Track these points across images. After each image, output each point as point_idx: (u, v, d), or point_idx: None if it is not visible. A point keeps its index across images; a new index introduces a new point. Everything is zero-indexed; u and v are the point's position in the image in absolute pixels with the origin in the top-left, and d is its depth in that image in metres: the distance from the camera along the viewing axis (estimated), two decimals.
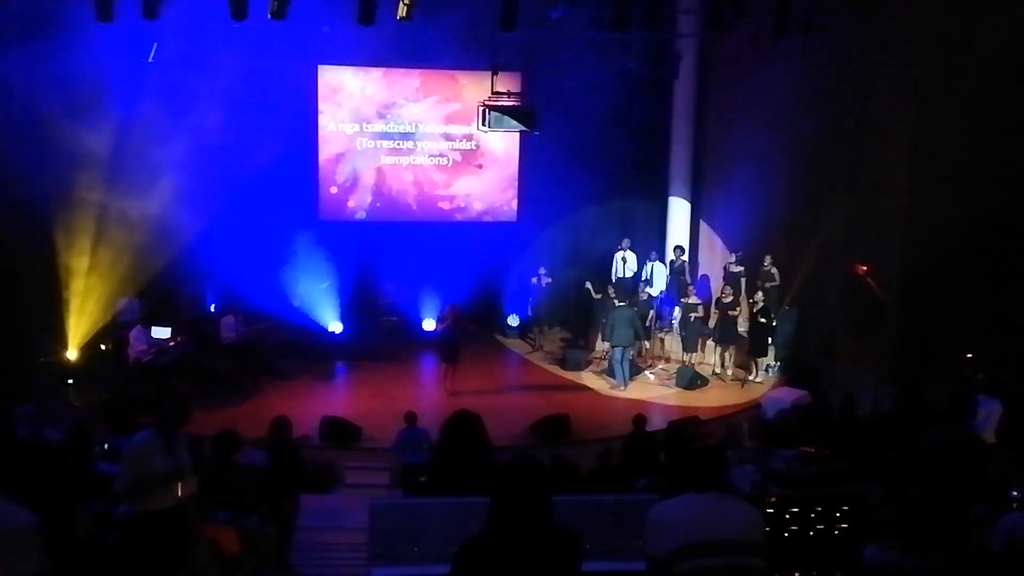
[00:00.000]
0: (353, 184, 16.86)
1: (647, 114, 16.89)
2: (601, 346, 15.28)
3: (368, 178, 16.90)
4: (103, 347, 13.91)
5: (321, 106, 16.49)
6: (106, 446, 8.04)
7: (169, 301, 14.96)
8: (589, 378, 14.82)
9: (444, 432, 5.70)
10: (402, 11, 11.53)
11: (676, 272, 16.06)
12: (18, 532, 3.77)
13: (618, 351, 14.18)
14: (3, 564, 3.65)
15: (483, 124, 12.64)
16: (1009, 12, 11.87)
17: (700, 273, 16.88)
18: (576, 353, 15.51)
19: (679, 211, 16.95)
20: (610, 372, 14.46)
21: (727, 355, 14.91)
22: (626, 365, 14.18)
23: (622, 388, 14.13)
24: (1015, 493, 4.76)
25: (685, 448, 9.16)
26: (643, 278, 16.23)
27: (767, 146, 15.59)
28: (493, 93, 12.71)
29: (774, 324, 14.44)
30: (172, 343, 13.99)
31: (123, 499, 5.46)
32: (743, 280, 15.26)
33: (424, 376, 14.94)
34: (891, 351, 12.98)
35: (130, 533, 5.44)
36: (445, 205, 17.23)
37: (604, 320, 14.62)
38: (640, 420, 10.46)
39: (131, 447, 5.48)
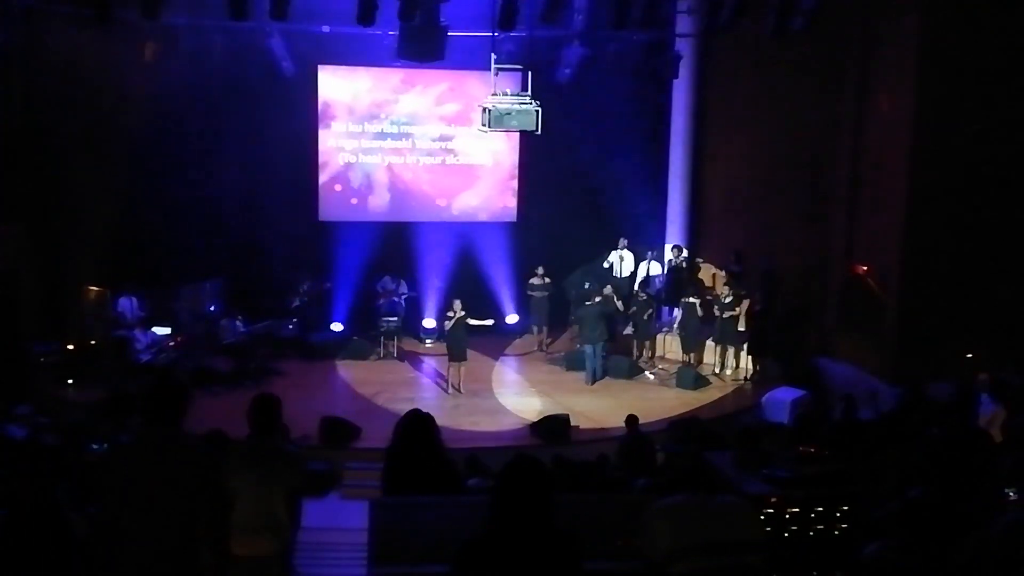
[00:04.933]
0: (353, 184, 16.84)
1: (647, 114, 16.88)
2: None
3: (368, 178, 16.87)
4: (92, 341, 13.86)
5: (321, 106, 16.47)
6: (105, 446, 8.03)
7: (169, 301, 14.95)
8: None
9: (396, 433, 5.74)
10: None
11: (676, 272, 16.05)
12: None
13: (588, 348, 14.30)
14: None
15: (483, 124, 12.63)
16: (1009, 11, 11.89)
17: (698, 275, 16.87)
18: (576, 353, 15.50)
19: (678, 211, 16.94)
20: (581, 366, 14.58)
21: (727, 355, 14.91)
22: (598, 361, 14.26)
23: (590, 384, 14.22)
24: (1012, 494, 4.76)
25: (685, 449, 9.17)
26: (640, 277, 16.26)
27: (767, 146, 15.59)
28: (493, 93, 12.70)
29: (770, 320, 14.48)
30: (172, 343, 13.98)
31: None
32: (742, 280, 15.25)
33: (425, 376, 14.94)
34: (891, 351, 12.99)
35: None
36: (445, 205, 17.22)
37: (574, 318, 14.73)
38: (632, 421, 10.45)
39: None
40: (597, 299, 14.54)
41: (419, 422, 5.79)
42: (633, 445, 9.96)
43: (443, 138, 16.92)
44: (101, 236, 14.47)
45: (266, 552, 5.05)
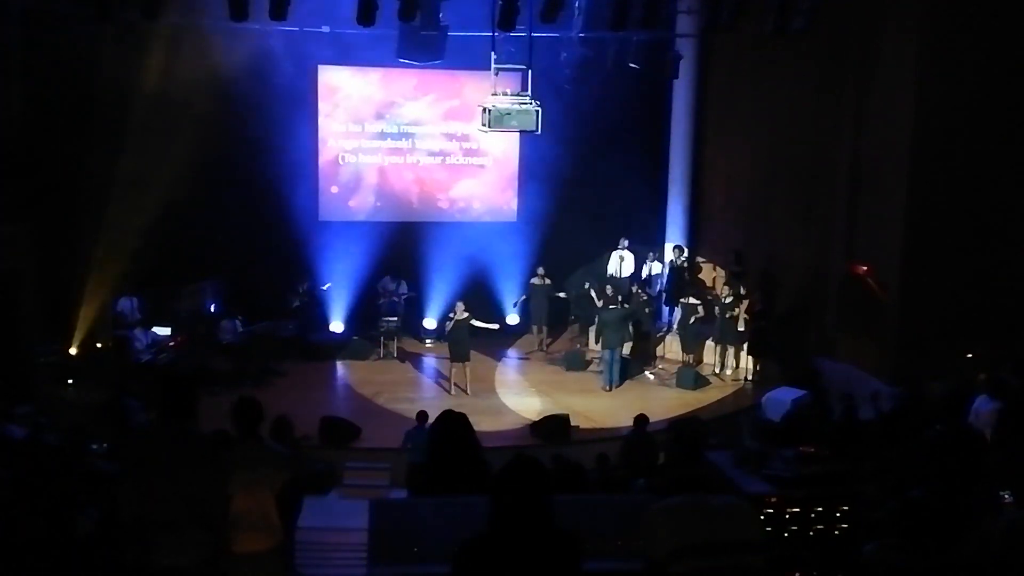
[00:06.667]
0: (353, 184, 16.85)
1: (647, 114, 16.87)
2: (597, 346, 15.30)
3: (368, 178, 16.88)
4: (99, 345, 13.89)
5: (321, 106, 16.47)
6: (105, 445, 8.04)
7: (169, 301, 14.95)
8: (589, 378, 14.81)
9: (432, 434, 5.73)
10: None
11: (676, 272, 16.05)
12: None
13: (607, 352, 14.22)
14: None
15: (483, 124, 12.63)
16: (1009, 12, 11.89)
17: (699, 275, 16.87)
18: (576, 353, 15.51)
19: (678, 211, 16.94)
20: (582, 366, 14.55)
21: (727, 355, 14.91)
22: (616, 367, 14.18)
23: (608, 389, 14.16)
24: (1006, 496, 4.76)
25: (685, 449, 9.16)
26: (642, 278, 16.26)
27: (767, 146, 15.59)
28: (493, 93, 12.71)
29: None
30: (172, 343, 13.98)
31: None
32: (742, 280, 15.25)
33: (425, 376, 14.94)
34: (891, 351, 12.99)
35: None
36: (445, 205, 17.22)
37: (597, 322, 14.68)
38: (641, 420, 10.45)
39: None
40: (613, 304, 14.40)
41: (455, 422, 5.69)
42: (637, 444, 9.97)
43: (443, 138, 16.92)
44: (102, 236, 14.45)
45: (263, 547, 5.20)
